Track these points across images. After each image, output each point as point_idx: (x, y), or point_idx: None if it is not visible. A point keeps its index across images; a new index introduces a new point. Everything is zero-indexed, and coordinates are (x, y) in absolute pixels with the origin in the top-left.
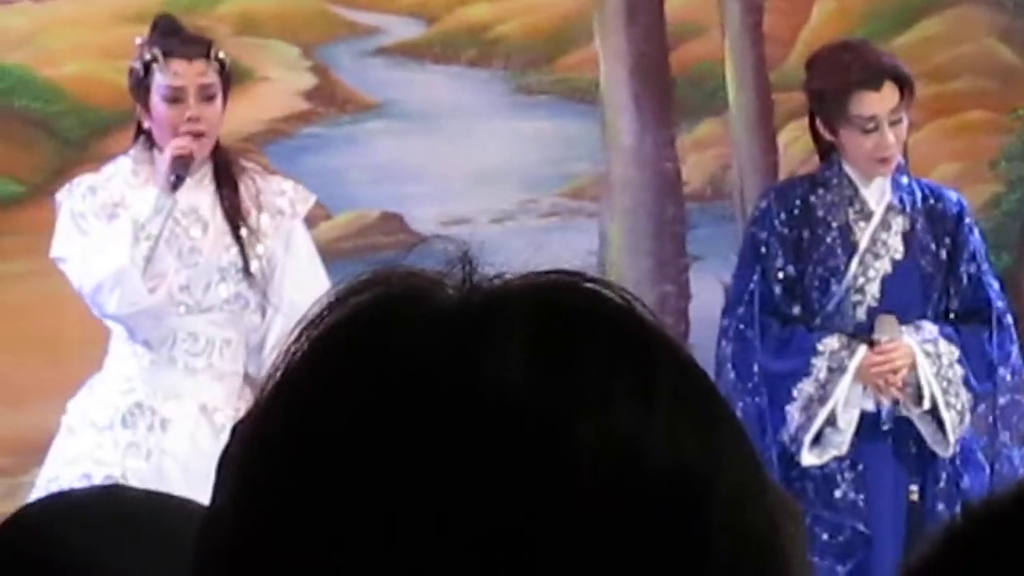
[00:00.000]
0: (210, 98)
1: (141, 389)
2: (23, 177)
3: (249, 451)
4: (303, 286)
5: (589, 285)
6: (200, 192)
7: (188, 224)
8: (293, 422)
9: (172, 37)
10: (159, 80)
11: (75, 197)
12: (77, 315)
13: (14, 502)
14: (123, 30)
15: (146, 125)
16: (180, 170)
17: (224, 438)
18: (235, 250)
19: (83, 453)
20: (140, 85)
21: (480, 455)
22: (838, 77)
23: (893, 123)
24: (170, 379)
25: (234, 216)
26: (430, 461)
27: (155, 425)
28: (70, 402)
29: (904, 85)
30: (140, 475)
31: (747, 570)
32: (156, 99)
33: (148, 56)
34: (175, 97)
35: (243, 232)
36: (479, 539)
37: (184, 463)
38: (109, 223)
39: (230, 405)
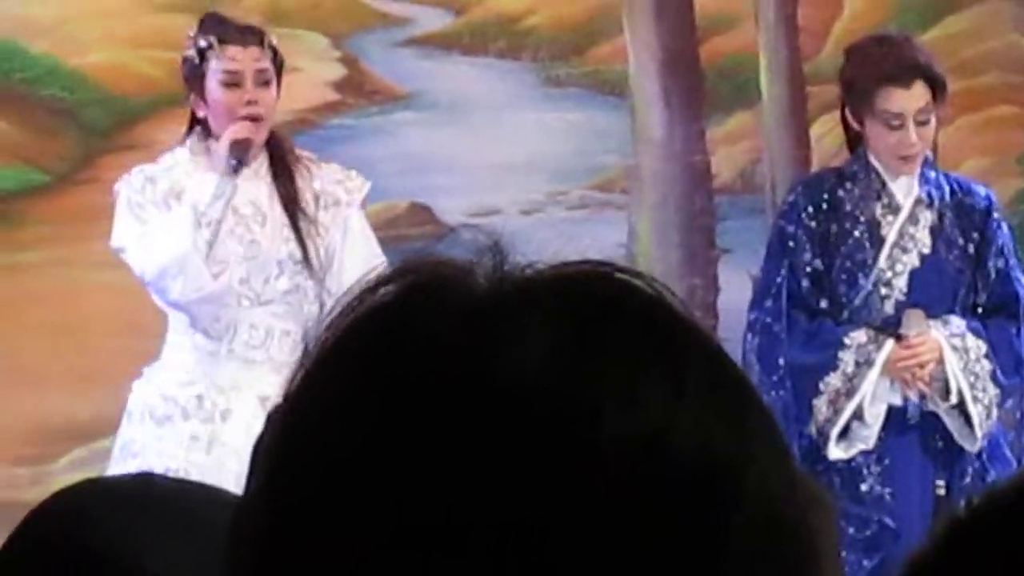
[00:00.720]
0: (266, 83)
1: (201, 381)
2: (48, 166)
3: (279, 440)
4: (361, 273)
5: (620, 275)
6: (258, 183)
7: (248, 216)
8: (322, 411)
9: (225, 25)
10: (216, 66)
11: (133, 187)
12: (101, 304)
13: (41, 489)
14: (150, 19)
15: (201, 114)
16: (240, 154)
17: None
18: (293, 242)
19: (146, 446)
20: (195, 73)
21: (507, 443)
22: (870, 69)
23: (920, 123)
24: (229, 371)
25: (292, 207)
26: (457, 449)
27: (215, 417)
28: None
29: (936, 86)
30: (201, 469)
31: (775, 561)
32: (213, 85)
33: (203, 43)
34: (233, 82)
35: (301, 223)
36: (504, 526)
37: (242, 455)
38: (168, 212)
39: None
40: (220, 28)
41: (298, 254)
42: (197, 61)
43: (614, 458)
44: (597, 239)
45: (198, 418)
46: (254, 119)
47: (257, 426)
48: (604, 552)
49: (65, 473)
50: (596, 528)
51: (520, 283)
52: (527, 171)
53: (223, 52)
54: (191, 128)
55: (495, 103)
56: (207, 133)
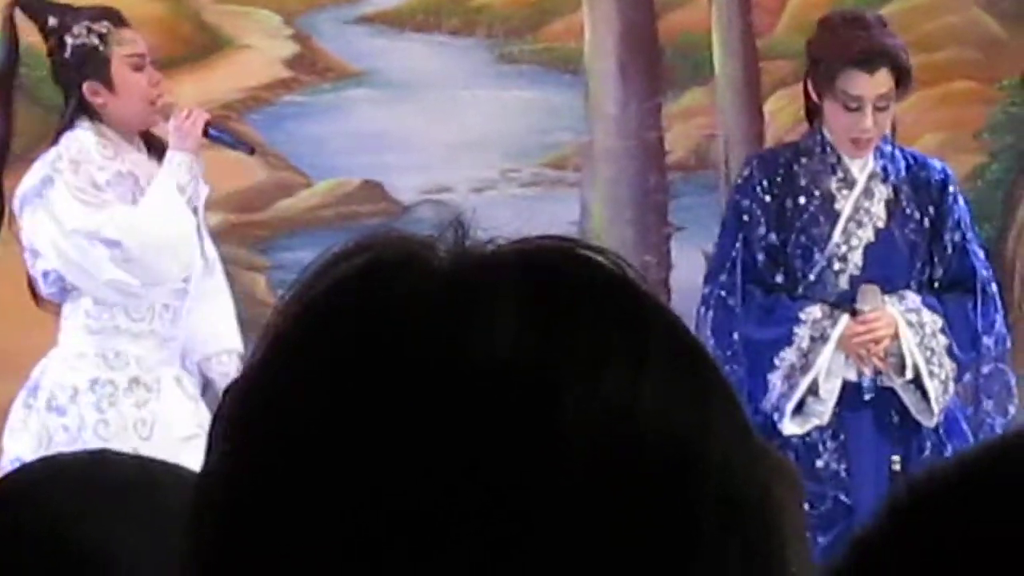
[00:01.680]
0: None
1: (135, 364)
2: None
3: (241, 413)
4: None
5: (582, 251)
6: (151, 164)
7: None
8: (284, 384)
9: (109, 11)
10: (120, 51)
11: (66, 173)
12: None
13: None
14: None
15: (100, 100)
16: (218, 130)
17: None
18: None
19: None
20: (96, 59)
21: (469, 417)
22: (837, 49)
23: (879, 108)
24: (154, 348)
25: None
26: (419, 423)
27: (150, 399)
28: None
29: (901, 74)
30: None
31: (739, 537)
32: (122, 70)
33: (102, 29)
34: (141, 65)
35: None
36: (467, 502)
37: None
38: (115, 192)
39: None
40: (104, 15)
41: None
42: (100, 47)
43: (578, 434)
44: (550, 216)
45: (134, 400)
46: (160, 100)
47: (181, 404)
48: (570, 528)
49: None
50: (562, 504)
51: (482, 259)
52: (480, 149)
53: (122, 36)
54: (79, 111)
55: (448, 81)
56: (97, 117)
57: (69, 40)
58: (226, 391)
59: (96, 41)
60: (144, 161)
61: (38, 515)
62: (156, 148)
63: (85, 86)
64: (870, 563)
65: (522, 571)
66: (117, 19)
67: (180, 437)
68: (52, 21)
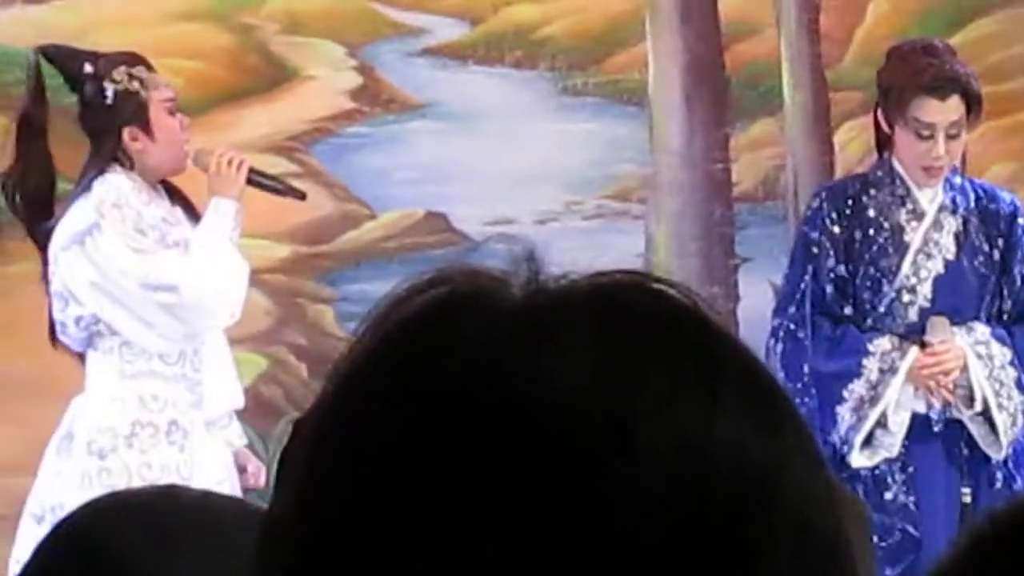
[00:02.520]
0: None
1: (173, 405)
2: (70, 174)
3: (312, 449)
4: None
5: (654, 285)
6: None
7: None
8: (356, 420)
9: (137, 57)
10: (157, 96)
11: (111, 219)
12: None
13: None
14: (170, 28)
15: (139, 146)
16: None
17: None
18: None
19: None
20: (138, 105)
21: (543, 454)
22: (908, 77)
23: (951, 136)
24: (185, 391)
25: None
26: (493, 459)
27: (186, 442)
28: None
29: (972, 101)
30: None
31: (811, 570)
32: (160, 115)
33: (142, 75)
34: (175, 110)
35: None
36: (540, 537)
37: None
38: (153, 237)
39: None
40: (137, 60)
41: None
42: (142, 92)
43: (652, 467)
44: (613, 249)
45: (174, 442)
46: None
47: (213, 448)
48: (644, 563)
49: None
50: (636, 539)
51: (555, 294)
52: (543, 181)
53: (157, 81)
54: (111, 158)
55: (510, 113)
56: (129, 164)
57: (110, 86)
58: (296, 425)
59: (137, 86)
60: (169, 207)
61: (108, 549)
62: (177, 195)
63: (125, 132)
64: None
65: None
66: (148, 65)
67: (215, 481)
68: (88, 68)
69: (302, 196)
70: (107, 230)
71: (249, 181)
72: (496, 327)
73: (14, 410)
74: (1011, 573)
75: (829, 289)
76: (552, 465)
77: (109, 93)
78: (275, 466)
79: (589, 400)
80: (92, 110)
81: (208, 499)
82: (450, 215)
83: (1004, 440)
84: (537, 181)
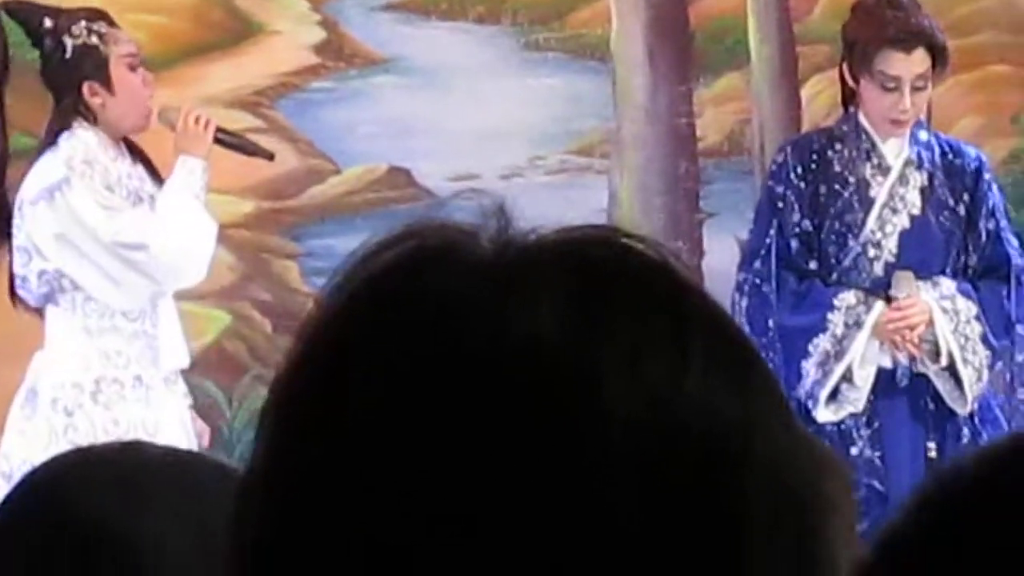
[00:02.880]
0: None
1: (138, 361)
2: (33, 131)
3: (282, 408)
4: None
5: (624, 240)
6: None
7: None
8: (326, 376)
9: (100, 12)
10: (118, 51)
11: (81, 174)
12: None
13: None
14: None
15: (98, 101)
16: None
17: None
18: None
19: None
20: (98, 60)
21: (511, 407)
22: (873, 30)
23: (916, 88)
24: (145, 347)
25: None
26: (461, 413)
27: (151, 397)
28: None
29: (937, 54)
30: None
31: (787, 526)
32: (120, 71)
33: (101, 29)
34: (135, 65)
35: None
36: (509, 491)
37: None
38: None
39: None
40: (98, 15)
41: None
42: (100, 47)
43: (621, 420)
44: (577, 204)
45: (139, 398)
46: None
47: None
48: (611, 515)
49: None
50: (603, 491)
51: (525, 248)
52: (507, 136)
53: (117, 36)
54: (73, 113)
55: (474, 68)
56: (92, 120)
57: (69, 41)
58: (272, 384)
59: (96, 41)
60: (130, 165)
61: (75, 505)
62: (137, 152)
63: (85, 86)
64: (899, 557)
65: (562, 556)
66: (110, 20)
67: (177, 436)
68: (48, 23)
69: (270, 156)
70: (76, 185)
71: (216, 140)
72: (465, 281)
73: None
74: (959, 535)
75: (794, 244)
76: (520, 419)
77: (68, 47)
78: (236, 422)
79: (558, 354)
80: (52, 65)
81: (173, 454)
82: (414, 170)
83: (969, 395)
84: (501, 136)
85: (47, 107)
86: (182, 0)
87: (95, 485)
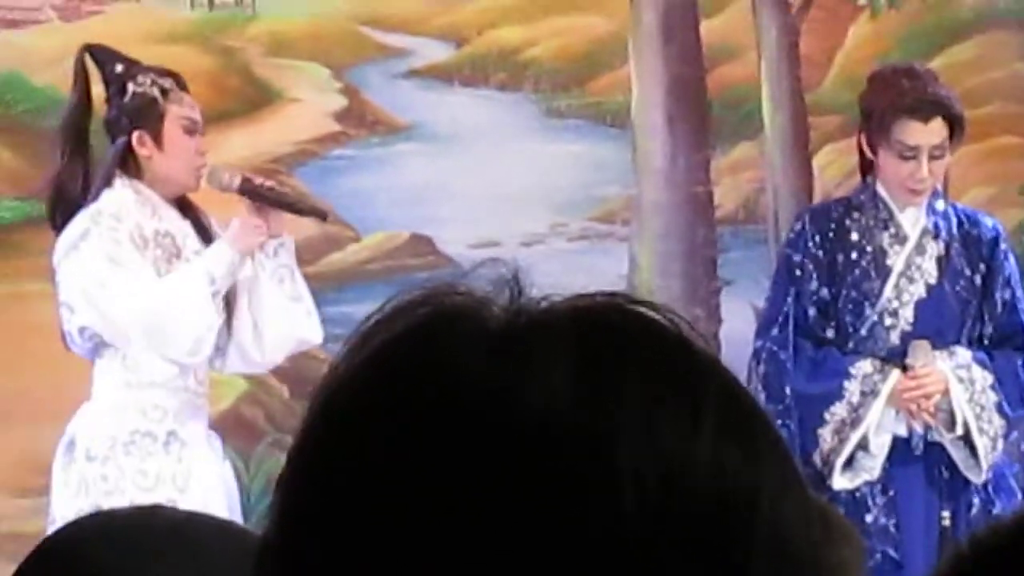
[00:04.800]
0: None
1: (173, 416)
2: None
3: (296, 472)
4: None
5: (635, 307)
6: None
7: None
8: (340, 442)
9: (172, 73)
10: (177, 111)
11: (105, 228)
12: None
13: (43, 520)
14: (152, 50)
15: (145, 153)
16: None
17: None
18: None
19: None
20: (151, 111)
21: (524, 477)
22: (890, 99)
23: (934, 157)
24: (186, 403)
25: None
26: (474, 483)
27: (183, 453)
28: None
29: (955, 123)
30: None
31: None
32: (174, 129)
33: (165, 84)
34: (194, 129)
35: None
36: (522, 562)
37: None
38: (142, 254)
39: None
40: (169, 74)
41: None
42: (160, 100)
43: (632, 488)
44: (598, 270)
45: (172, 452)
46: (202, 167)
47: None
48: None
49: None
50: (615, 557)
51: (537, 316)
52: (528, 202)
53: (182, 98)
54: (120, 161)
55: (496, 134)
56: (138, 173)
57: (131, 86)
58: (289, 451)
59: (156, 93)
60: (178, 220)
61: (92, 566)
62: (189, 209)
63: (135, 135)
64: None
65: None
66: (182, 83)
67: (209, 492)
68: (119, 68)
69: (323, 216)
70: (94, 238)
71: (266, 198)
72: (478, 349)
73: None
74: None
75: (811, 311)
76: (532, 487)
77: (129, 93)
78: (254, 486)
79: (569, 422)
80: (112, 108)
81: (190, 519)
82: (435, 237)
83: (984, 464)
84: (522, 203)
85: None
86: (202, 67)
87: (109, 547)
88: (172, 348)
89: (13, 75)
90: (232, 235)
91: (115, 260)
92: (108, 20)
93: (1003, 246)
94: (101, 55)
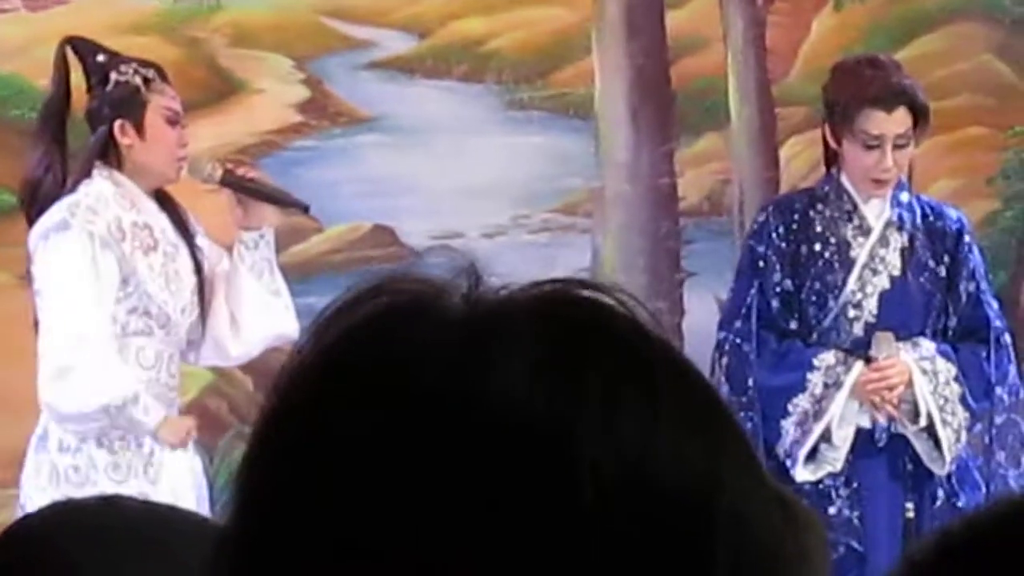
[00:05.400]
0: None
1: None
2: (14, 187)
3: (253, 462)
4: None
5: (592, 294)
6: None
7: (171, 253)
8: (296, 432)
9: (153, 64)
10: (159, 101)
11: (80, 220)
12: None
13: (8, 513)
14: (117, 40)
15: (127, 142)
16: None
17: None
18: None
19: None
20: (134, 101)
21: (484, 468)
22: (854, 90)
23: (898, 146)
24: (159, 396)
25: (188, 235)
26: (434, 474)
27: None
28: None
29: (919, 113)
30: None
31: None
32: (156, 120)
33: (148, 74)
34: (176, 120)
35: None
36: (482, 554)
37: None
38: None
39: None
40: (151, 65)
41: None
42: (143, 90)
43: (592, 483)
44: (560, 262)
45: (140, 444)
46: (183, 159)
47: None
48: (581, 574)
49: None
50: (575, 551)
51: (495, 305)
52: (490, 194)
53: (164, 89)
54: (101, 151)
55: (458, 126)
56: (118, 163)
57: (114, 75)
58: (249, 441)
59: (139, 82)
60: (156, 212)
61: (48, 560)
62: (167, 202)
63: (117, 124)
64: None
65: None
66: (163, 74)
67: (181, 486)
68: (101, 58)
69: (305, 208)
70: (72, 233)
71: (246, 189)
72: (436, 338)
73: None
74: None
75: (775, 303)
76: (491, 477)
77: (111, 82)
78: (218, 478)
79: (528, 413)
80: (93, 98)
81: (151, 509)
82: (397, 229)
83: (948, 456)
84: (484, 195)
85: (27, 165)
86: (166, 58)
87: (74, 536)
88: (67, 394)
89: None
90: (162, 433)
91: (80, 271)
92: (74, 10)
93: (967, 238)
94: (82, 47)
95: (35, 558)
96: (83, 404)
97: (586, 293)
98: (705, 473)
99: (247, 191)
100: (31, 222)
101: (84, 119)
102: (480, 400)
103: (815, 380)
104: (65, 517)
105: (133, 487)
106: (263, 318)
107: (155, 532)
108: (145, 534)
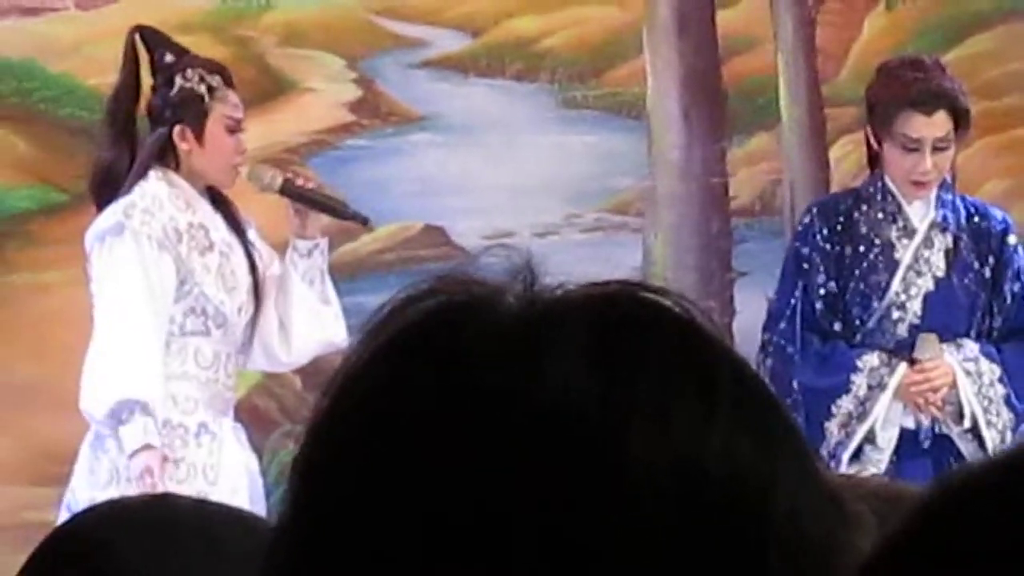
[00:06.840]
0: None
1: (204, 409)
2: (66, 185)
3: (309, 460)
4: None
5: (649, 295)
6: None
7: (227, 253)
8: (353, 431)
9: (223, 70)
10: (222, 109)
11: (135, 223)
12: None
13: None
14: None
15: (184, 147)
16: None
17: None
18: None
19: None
20: (197, 107)
21: (538, 464)
22: (895, 91)
23: (938, 149)
24: (217, 396)
25: (243, 235)
26: (489, 469)
27: (215, 446)
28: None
29: (959, 116)
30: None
31: None
32: (216, 127)
33: (213, 82)
34: (237, 129)
35: (251, 249)
36: (536, 547)
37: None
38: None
39: None
40: (217, 70)
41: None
42: (207, 98)
43: (646, 477)
44: (612, 262)
45: (203, 444)
46: (240, 165)
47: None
48: (634, 571)
49: None
50: (626, 546)
51: (551, 304)
52: (542, 194)
53: (227, 96)
54: (158, 153)
55: (511, 125)
56: (175, 164)
57: (179, 80)
58: (303, 438)
59: (203, 91)
60: (211, 212)
61: (105, 555)
62: (221, 202)
63: (176, 128)
64: (899, 562)
65: None
66: (228, 79)
67: (241, 484)
68: (169, 57)
69: (364, 221)
70: (127, 235)
71: (308, 199)
72: (491, 338)
73: (12, 419)
74: (961, 542)
75: (819, 305)
76: (545, 477)
77: (176, 87)
78: (267, 477)
79: (583, 412)
80: (157, 97)
81: (201, 507)
82: (448, 228)
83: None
84: (536, 194)
85: (78, 163)
86: (215, 56)
87: (127, 533)
88: (88, 391)
89: (29, 63)
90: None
91: (128, 282)
92: (124, 9)
93: (1012, 239)
94: (152, 39)
95: (87, 555)
96: (99, 404)
97: (641, 293)
98: (759, 472)
99: (306, 201)
100: (100, 207)
101: (145, 114)
102: (532, 398)
103: (859, 382)
104: (116, 514)
105: (193, 487)
106: (313, 326)
107: (206, 530)
108: (196, 531)
